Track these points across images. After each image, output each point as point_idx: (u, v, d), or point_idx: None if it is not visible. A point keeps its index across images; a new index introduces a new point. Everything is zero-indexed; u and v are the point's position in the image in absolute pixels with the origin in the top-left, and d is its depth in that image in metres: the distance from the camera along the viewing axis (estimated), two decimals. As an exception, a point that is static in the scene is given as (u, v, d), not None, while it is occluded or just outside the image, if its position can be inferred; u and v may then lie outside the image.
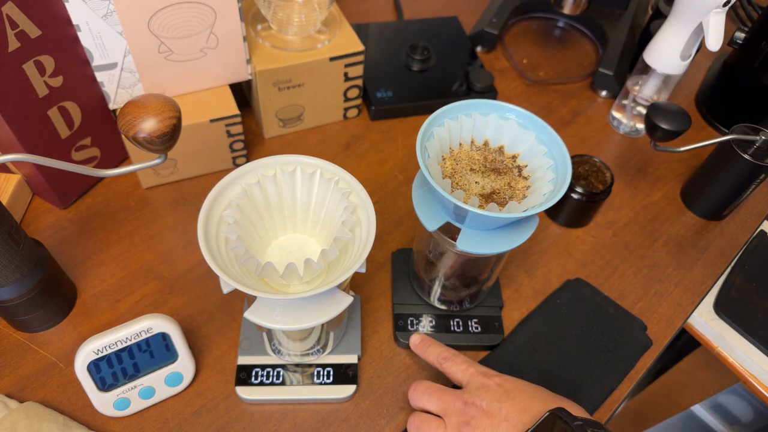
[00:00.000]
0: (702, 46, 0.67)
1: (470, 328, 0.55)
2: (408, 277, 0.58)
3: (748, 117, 0.71)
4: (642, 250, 0.64)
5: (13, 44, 0.48)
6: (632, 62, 0.80)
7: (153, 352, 0.47)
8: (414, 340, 0.51)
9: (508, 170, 0.45)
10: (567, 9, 0.76)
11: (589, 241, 0.64)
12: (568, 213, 0.64)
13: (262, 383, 0.50)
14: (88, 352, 0.45)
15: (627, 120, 0.74)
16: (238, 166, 0.47)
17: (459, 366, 0.47)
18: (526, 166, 0.45)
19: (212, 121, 0.60)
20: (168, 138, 0.39)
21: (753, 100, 0.73)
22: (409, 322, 0.55)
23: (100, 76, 0.56)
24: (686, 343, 0.78)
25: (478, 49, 0.83)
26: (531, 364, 0.53)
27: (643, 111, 0.72)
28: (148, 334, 0.46)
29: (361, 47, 0.66)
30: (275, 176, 0.43)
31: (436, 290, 0.55)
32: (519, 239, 0.44)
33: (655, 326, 0.58)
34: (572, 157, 0.63)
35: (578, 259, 0.62)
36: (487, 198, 0.43)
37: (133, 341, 0.46)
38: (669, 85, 0.69)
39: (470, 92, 0.74)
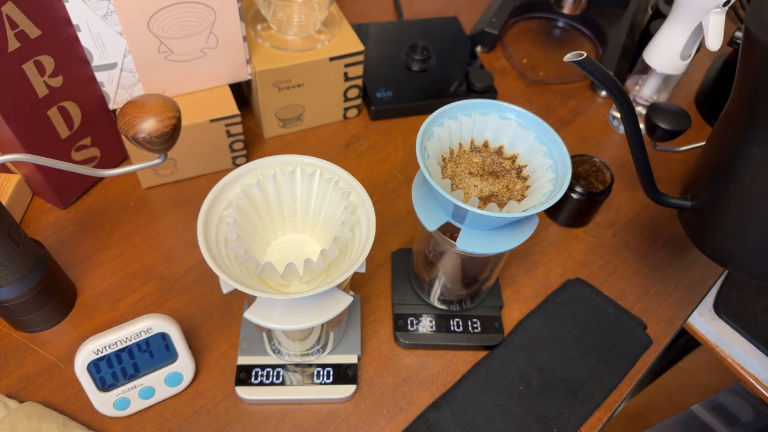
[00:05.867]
0: (702, 46, 0.67)
1: (470, 328, 0.55)
2: (408, 277, 0.58)
3: (748, 117, 0.71)
4: (642, 250, 0.64)
5: (13, 44, 0.48)
6: (632, 62, 0.80)
7: (153, 352, 0.48)
8: None
9: (506, 173, 0.45)
10: (567, 9, 0.76)
11: (589, 241, 0.64)
12: (568, 213, 0.64)
13: (262, 383, 0.50)
14: (88, 352, 0.45)
15: (627, 120, 0.74)
16: (237, 166, 0.47)
17: None
18: (526, 166, 0.45)
19: (212, 121, 0.60)
20: (168, 138, 0.39)
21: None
22: (409, 322, 0.55)
23: (99, 76, 0.56)
24: (686, 343, 0.78)
25: (478, 49, 0.83)
26: (531, 364, 0.53)
27: (643, 111, 0.72)
28: (148, 334, 0.46)
29: (361, 47, 0.66)
30: (275, 176, 0.43)
31: (436, 290, 0.55)
32: (519, 239, 0.44)
33: (655, 326, 0.58)
34: (572, 157, 0.63)
35: (578, 259, 0.62)
36: (486, 201, 0.43)
37: (133, 341, 0.46)
38: (669, 85, 0.69)
39: (470, 92, 0.74)
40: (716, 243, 0.46)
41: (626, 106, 0.40)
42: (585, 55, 0.35)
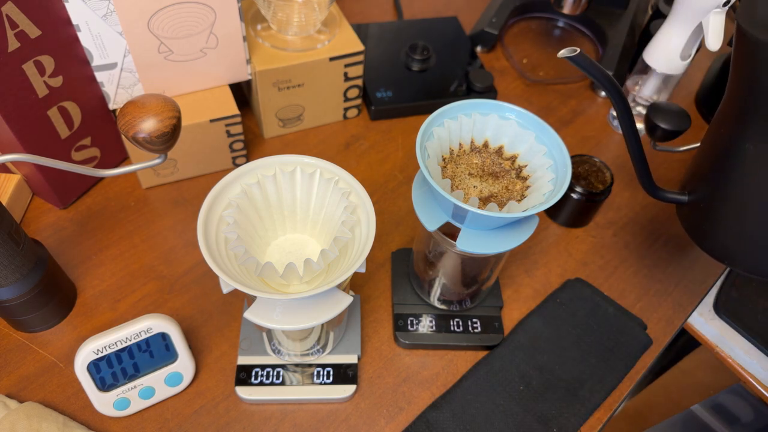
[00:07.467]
0: (702, 46, 0.67)
1: (470, 328, 0.55)
2: (408, 277, 0.58)
3: (748, 117, 0.71)
4: (642, 250, 0.64)
5: (13, 44, 0.48)
6: (632, 62, 0.80)
7: (153, 352, 0.48)
8: None
9: (506, 173, 0.45)
10: (567, 9, 0.76)
11: (589, 241, 0.64)
12: (568, 213, 0.64)
13: (262, 383, 0.50)
14: (88, 352, 0.45)
15: (627, 120, 0.74)
16: (238, 166, 0.47)
17: None
18: (526, 166, 0.45)
19: (212, 121, 0.60)
20: (168, 138, 0.39)
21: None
22: (409, 322, 0.55)
23: (99, 76, 0.56)
24: (686, 343, 0.78)
25: (478, 49, 0.83)
26: (531, 364, 0.53)
27: (643, 111, 0.72)
28: (148, 334, 0.46)
29: (361, 47, 0.66)
30: (275, 176, 0.43)
31: (436, 290, 0.55)
32: (519, 239, 0.44)
33: (655, 326, 0.58)
34: (572, 157, 0.63)
35: (578, 259, 0.62)
36: (486, 201, 0.43)
37: (133, 341, 0.46)
38: (669, 85, 0.69)
39: (470, 92, 0.74)
40: (713, 237, 0.46)
41: (619, 99, 0.40)
42: (579, 50, 0.35)
